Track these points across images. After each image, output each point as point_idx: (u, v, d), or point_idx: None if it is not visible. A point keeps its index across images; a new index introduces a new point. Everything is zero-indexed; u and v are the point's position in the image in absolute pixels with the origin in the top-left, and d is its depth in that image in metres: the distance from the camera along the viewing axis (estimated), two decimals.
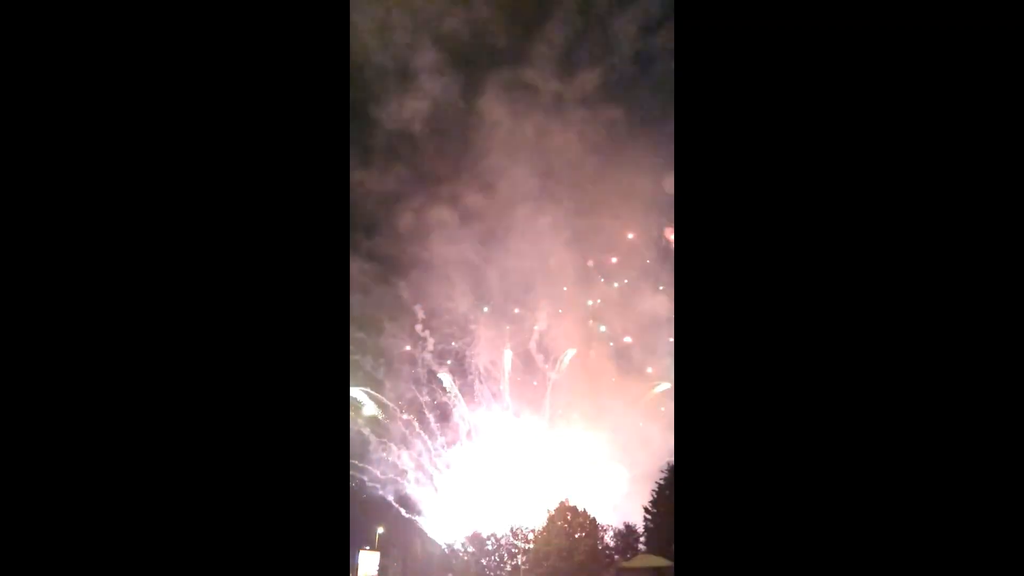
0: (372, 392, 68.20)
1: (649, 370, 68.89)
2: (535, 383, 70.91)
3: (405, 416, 68.82)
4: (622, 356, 70.86)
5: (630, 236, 71.03)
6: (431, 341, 71.47)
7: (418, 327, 71.08)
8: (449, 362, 71.16)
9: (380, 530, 56.91)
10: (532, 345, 71.19)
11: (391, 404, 68.76)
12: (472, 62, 72.17)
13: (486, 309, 72.36)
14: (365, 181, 68.99)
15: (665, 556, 45.66)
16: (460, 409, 70.07)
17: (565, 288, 71.47)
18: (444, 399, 70.03)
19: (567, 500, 55.03)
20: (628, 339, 70.34)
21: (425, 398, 69.94)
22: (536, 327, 70.99)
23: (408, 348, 71.12)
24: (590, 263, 71.70)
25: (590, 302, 71.89)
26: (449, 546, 61.19)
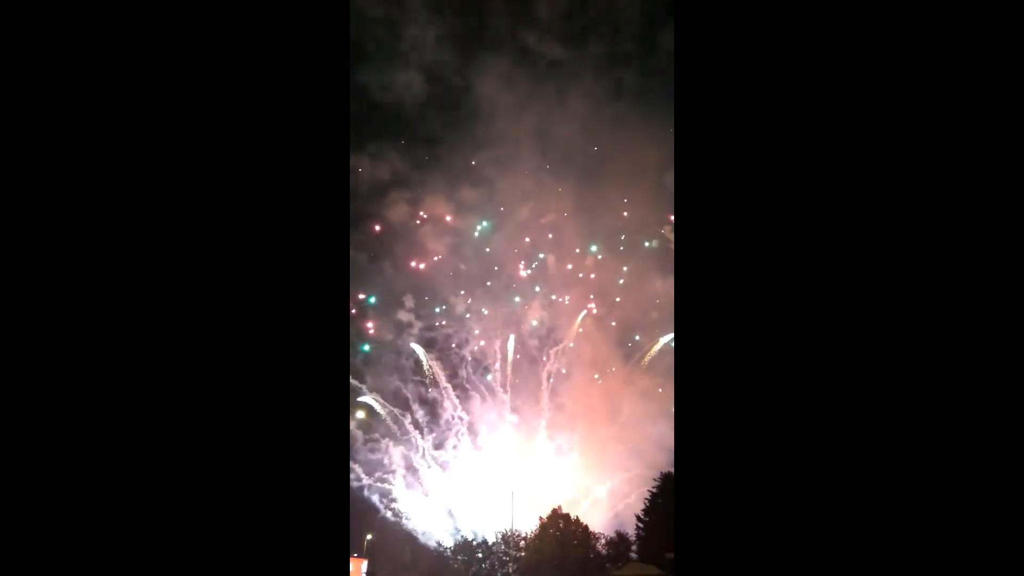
0: (353, 382, 65.13)
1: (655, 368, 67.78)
2: (526, 377, 69.30)
3: (392, 410, 66.62)
4: (624, 346, 69.76)
5: (632, 225, 69.96)
6: (417, 326, 68.88)
7: (404, 314, 69.14)
8: (436, 352, 68.96)
9: (368, 536, 56.20)
10: (528, 337, 69.83)
11: (378, 399, 66.57)
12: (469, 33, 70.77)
13: (469, 300, 70.85)
14: (359, 167, 67.00)
15: (656, 565, 45.11)
16: (450, 403, 68.14)
17: (563, 279, 70.54)
18: (433, 394, 67.88)
19: (560, 507, 54.50)
20: (631, 333, 69.27)
21: (411, 392, 67.76)
22: (534, 321, 69.83)
23: (391, 337, 69.07)
24: (589, 253, 70.76)
25: (592, 306, 70.69)
26: (439, 553, 60.43)
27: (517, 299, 70.35)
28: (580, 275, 70.84)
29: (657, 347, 66.77)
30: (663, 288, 67.76)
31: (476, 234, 70.85)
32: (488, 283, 70.73)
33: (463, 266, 70.59)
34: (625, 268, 69.96)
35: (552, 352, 68.75)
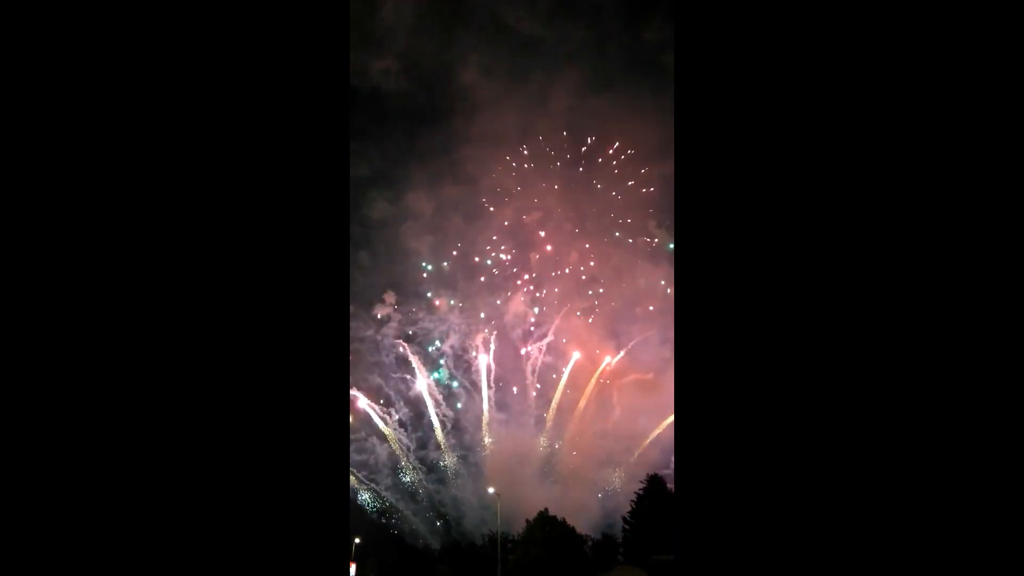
0: None
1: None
2: (512, 374, 68.49)
3: (375, 408, 65.57)
4: (609, 342, 69.28)
5: (617, 221, 69.65)
6: (398, 324, 67.44)
7: (385, 310, 67.49)
8: (416, 347, 67.92)
9: (356, 540, 55.96)
10: (512, 333, 69.03)
11: (360, 395, 65.71)
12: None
13: (456, 301, 70.06)
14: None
15: (643, 568, 45.40)
16: (433, 400, 66.86)
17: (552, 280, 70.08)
18: (416, 391, 66.62)
19: (547, 509, 54.59)
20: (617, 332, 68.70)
21: (392, 390, 66.61)
22: (527, 329, 69.21)
23: (371, 332, 67.53)
24: (580, 260, 70.37)
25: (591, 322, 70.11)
26: (426, 555, 60.31)
27: (500, 299, 70.00)
28: (565, 270, 70.64)
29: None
30: (647, 284, 67.89)
31: (458, 230, 70.43)
32: (471, 280, 70.43)
33: (445, 264, 70.18)
34: (610, 263, 69.89)
35: (537, 347, 68.39)
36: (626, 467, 62.81)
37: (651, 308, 67.42)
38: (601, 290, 69.59)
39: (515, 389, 68.38)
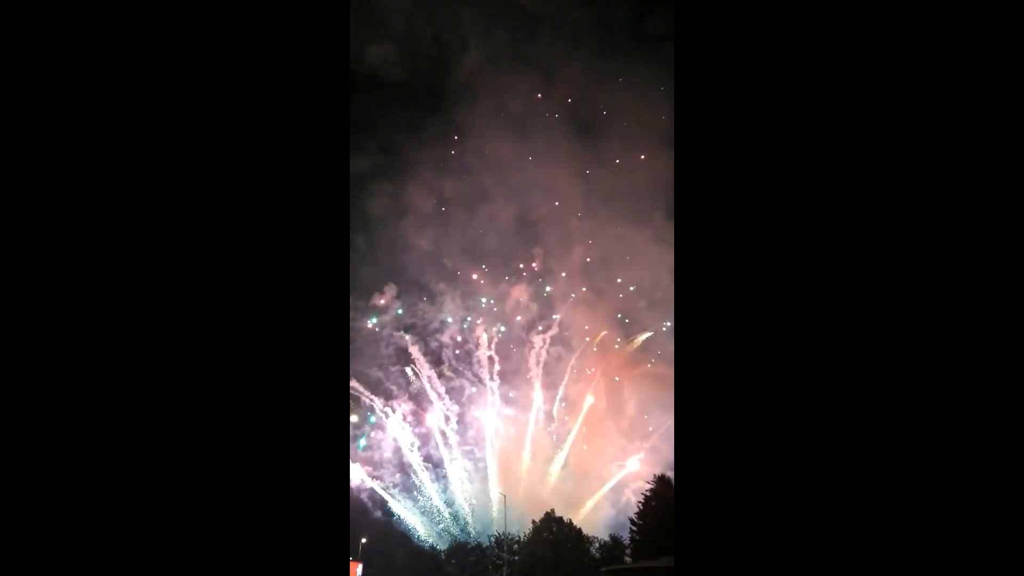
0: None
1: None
2: (517, 368, 67.90)
3: (376, 403, 65.02)
4: (614, 335, 68.76)
5: (623, 212, 69.08)
6: (397, 314, 66.85)
7: (383, 301, 67.13)
8: (417, 340, 66.92)
9: (363, 540, 56.02)
10: (518, 328, 68.52)
11: (362, 391, 65.31)
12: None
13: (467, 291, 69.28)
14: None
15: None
16: (436, 395, 66.05)
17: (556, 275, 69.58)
18: (417, 385, 65.75)
19: (553, 510, 54.60)
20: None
21: (393, 385, 65.84)
22: (525, 311, 68.63)
23: (371, 324, 67.02)
24: (580, 252, 69.82)
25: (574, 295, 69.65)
26: (433, 555, 60.38)
27: (485, 300, 69.41)
28: (571, 259, 70.08)
29: (642, 338, 66.29)
30: (651, 277, 67.43)
31: (461, 223, 69.92)
32: (472, 271, 69.97)
33: (447, 261, 69.72)
34: (618, 252, 69.31)
35: (542, 338, 67.80)
36: (633, 460, 62.40)
37: (662, 311, 67.07)
38: (619, 280, 69.14)
39: (520, 383, 68.02)
